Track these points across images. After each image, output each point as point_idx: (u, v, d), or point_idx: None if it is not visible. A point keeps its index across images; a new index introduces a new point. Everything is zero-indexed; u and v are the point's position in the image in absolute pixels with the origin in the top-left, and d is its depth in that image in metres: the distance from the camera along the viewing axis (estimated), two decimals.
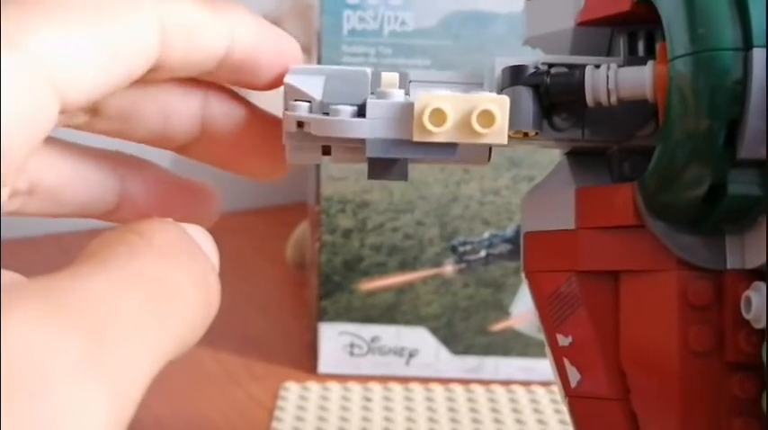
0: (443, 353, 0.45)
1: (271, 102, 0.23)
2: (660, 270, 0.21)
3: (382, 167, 0.20)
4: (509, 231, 0.43)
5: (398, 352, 0.45)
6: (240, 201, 0.71)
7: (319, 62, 0.41)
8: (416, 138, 0.19)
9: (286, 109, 0.20)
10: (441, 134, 0.19)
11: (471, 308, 0.44)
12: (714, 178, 0.19)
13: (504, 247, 0.43)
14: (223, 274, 0.18)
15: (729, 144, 0.18)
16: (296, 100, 0.20)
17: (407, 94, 0.21)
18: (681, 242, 0.20)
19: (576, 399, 0.22)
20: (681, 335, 0.20)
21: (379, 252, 0.43)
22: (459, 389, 0.44)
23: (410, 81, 0.22)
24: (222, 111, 0.22)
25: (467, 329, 0.44)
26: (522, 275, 0.23)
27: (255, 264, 0.59)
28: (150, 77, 0.19)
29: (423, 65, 0.41)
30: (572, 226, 0.22)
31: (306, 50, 0.74)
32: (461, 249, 0.43)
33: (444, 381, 0.44)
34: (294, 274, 0.57)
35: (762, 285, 0.19)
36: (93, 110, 0.20)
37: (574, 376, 0.22)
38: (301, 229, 0.59)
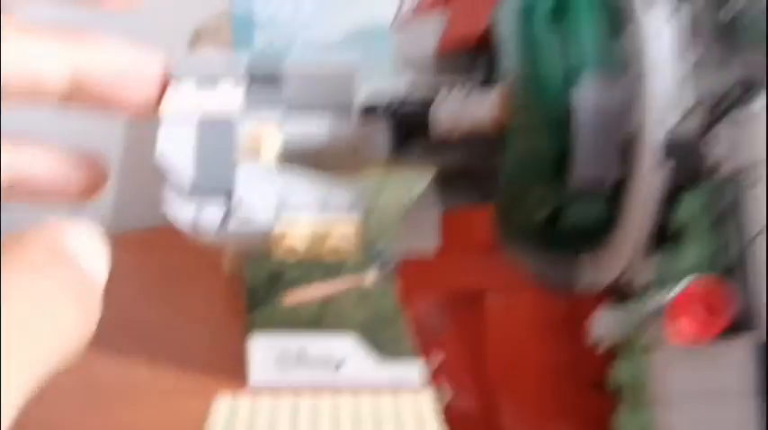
0: (370, 360, 0.45)
1: None
2: (518, 290, 0.21)
3: None
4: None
5: (326, 361, 0.45)
6: None
7: None
8: (275, 258, 0.21)
9: (164, 196, 0.21)
10: (296, 258, 0.21)
11: (396, 315, 0.45)
12: (552, 202, 0.19)
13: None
14: (161, 288, 0.19)
15: (564, 169, 0.19)
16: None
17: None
18: (534, 263, 0.21)
19: (449, 414, 0.23)
20: (538, 352, 0.21)
21: (301, 264, 0.44)
22: (386, 396, 0.45)
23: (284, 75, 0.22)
24: (92, 61, 0.22)
25: (392, 336, 0.45)
26: (399, 300, 0.24)
27: (194, 277, 0.60)
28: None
29: None
30: (438, 248, 0.23)
31: None
32: (382, 258, 0.44)
33: (372, 389, 0.45)
34: (232, 285, 0.57)
35: (605, 309, 0.20)
36: None
37: (447, 392, 0.23)
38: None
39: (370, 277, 0.44)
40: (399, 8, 0.24)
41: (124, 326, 0.50)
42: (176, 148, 0.21)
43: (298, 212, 0.21)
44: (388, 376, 0.45)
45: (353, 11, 0.40)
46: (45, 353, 0.16)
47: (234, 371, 0.46)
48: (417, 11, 0.24)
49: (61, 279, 0.17)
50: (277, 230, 0.21)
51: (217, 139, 0.22)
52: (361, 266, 0.44)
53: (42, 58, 0.21)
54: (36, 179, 0.22)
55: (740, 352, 0.16)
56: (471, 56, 0.23)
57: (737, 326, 0.17)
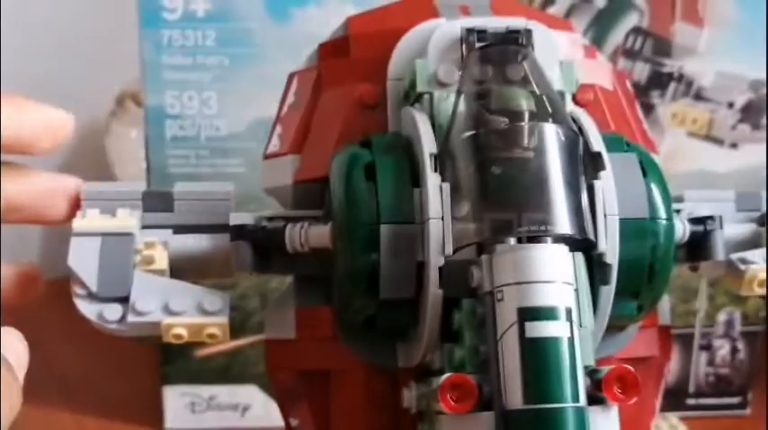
0: (272, 405, 0.51)
1: None
2: (352, 369, 0.28)
3: None
4: None
5: (234, 407, 0.51)
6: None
7: (148, 164, 0.48)
8: (164, 341, 0.27)
9: (73, 295, 0.27)
10: (180, 342, 0.27)
11: None
12: (367, 310, 0.26)
13: None
14: (86, 337, 0.24)
15: (374, 287, 0.26)
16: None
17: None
18: (362, 349, 0.28)
19: None
20: (367, 418, 0.28)
21: None
22: None
23: (174, 200, 0.29)
24: (18, 187, 0.28)
25: None
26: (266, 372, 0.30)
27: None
28: None
29: (236, 163, 0.48)
30: (293, 336, 0.29)
31: None
32: None
33: None
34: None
35: (412, 383, 0.27)
36: None
37: None
38: None
39: None
40: (266, 146, 0.31)
41: (49, 374, 0.55)
42: (83, 258, 0.27)
43: (179, 315, 0.27)
44: None
45: (254, 106, 0.47)
46: None
47: (151, 419, 0.52)
48: (279, 151, 0.30)
49: None
50: (165, 323, 0.26)
51: (117, 252, 0.28)
52: (261, 325, 0.50)
53: None
54: None
55: (484, 423, 0.23)
56: (319, 190, 0.29)
57: (486, 405, 0.23)
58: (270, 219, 0.28)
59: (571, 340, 0.23)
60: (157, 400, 0.53)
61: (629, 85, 0.33)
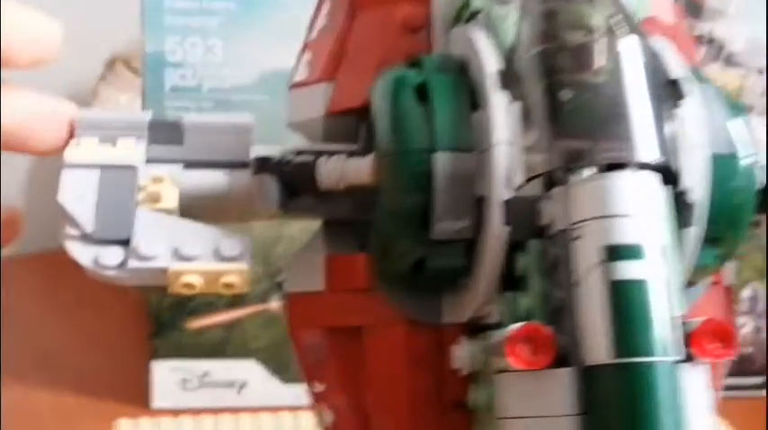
0: (273, 382, 0.48)
1: None
2: (390, 325, 0.25)
3: None
4: None
5: (229, 384, 0.47)
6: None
7: None
8: (171, 292, 0.23)
9: (63, 236, 0.23)
10: (191, 293, 0.23)
11: None
12: (416, 253, 0.23)
13: None
14: (67, 311, 0.20)
15: (425, 226, 0.22)
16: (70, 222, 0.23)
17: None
18: (404, 302, 0.24)
19: None
20: (407, 380, 0.24)
21: None
22: (287, 415, 0.47)
23: (184, 132, 0.25)
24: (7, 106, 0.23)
25: (295, 359, 0.48)
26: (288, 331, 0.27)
27: (102, 298, 0.60)
28: None
29: None
30: (322, 287, 0.25)
31: None
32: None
33: (274, 409, 0.47)
34: (137, 310, 0.59)
35: (464, 340, 0.23)
36: None
37: (328, 417, 0.26)
38: None
39: (275, 304, 0.47)
40: (292, 74, 0.27)
41: (28, 349, 0.51)
42: (77, 193, 0.23)
43: (192, 260, 0.23)
44: (289, 397, 0.48)
45: (263, 56, 0.43)
46: None
47: (136, 396, 0.48)
48: (309, 78, 0.26)
49: None
50: (173, 270, 0.23)
51: (117, 187, 0.24)
52: (265, 294, 0.47)
53: None
54: None
55: (561, 380, 0.20)
56: (354, 123, 0.26)
57: (562, 360, 0.20)
58: (298, 152, 0.25)
59: (665, 283, 0.20)
60: (144, 377, 0.49)
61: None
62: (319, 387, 0.26)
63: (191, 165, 0.25)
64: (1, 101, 0.24)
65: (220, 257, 0.23)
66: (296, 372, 0.47)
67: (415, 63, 0.24)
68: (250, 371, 0.47)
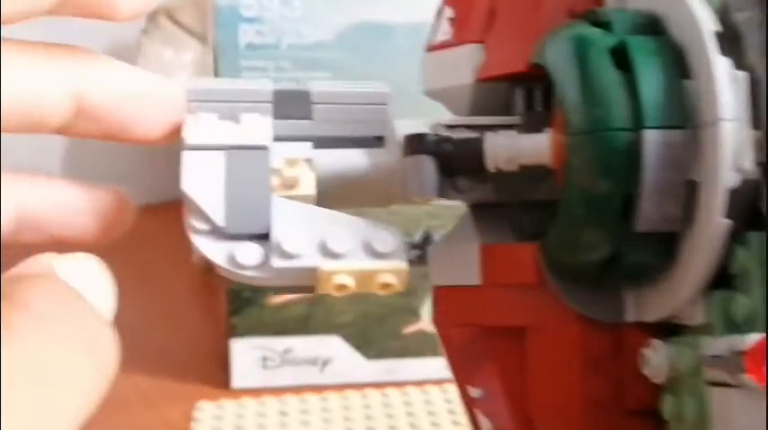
0: (357, 358, 0.45)
1: None
2: (563, 324, 0.21)
3: None
4: (416, 237, 0.44)
5: (312, 361, 0.45)
6: (132, 196, 0.69)
7: (216, 76, 0.40)
8: (319, 293, 0.20)
9: (189, 230, 0.20)
10: (343, 294, 0.20)
11: (383, 313, 0.45)
12: (611, 246, 0.19)
13: (413, 253, 0.44)
14: (125, 285, 0.17)
15: (625, 216, 0.19)
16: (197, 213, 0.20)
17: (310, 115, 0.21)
18: (580, 298, 0.21)
19: None
20: (582, 385, 0.21)
21: None
22: (374, 393, 0.45)
23: (312, 104, 0.22)
24: (95, 82, 0.20)
25: (380, 334, 0.45)
26: (434, 326, 0.24)
27: (159, 271, 0.58)
28: None
29: (322, 77, 0.40)
30: (478, 281, 0.22)
31: (202, 39, 0.71)
32: None
33: (359, 387, 0.45)
34: (202, 279, 0.56)
35: (659, 343, 0.20)
36: None
37: (486, 426, 0.23)
38: None
39: None
40: (432, 35, 0.24)
41: None
42: (204, 181, 0.20)
43: (343, 258, 0.20)
44: (375, 373, 0.45)
45: (346, 9, 0.39)
46: (66, 418, 0.14)
47: (215, 376, 0.45)
48: (453, 40, 0.23)
49: (70, 331, 0.15)
50: (324, 270, 0.20)
51: (248, 171, 0.20)
52: None
53: (42, 84, 0.19)
54: (48, 218, 0.20)
55: None
56: (506, 91, 0.22)
57: None
58: (450, 127, 0.21)
59: None
60: (223, 355, 0.46)
61: None
62: (474, 392, 0.23)
63: (322, 142, 0.22)
64: (89, 75, 0.20)
65: (374, 253, 0.20)
66: (380, 348, 0.45)
67: (596, 21, 0.20)
68: (333, 348, 0.45)
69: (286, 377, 0.45)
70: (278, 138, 0.21)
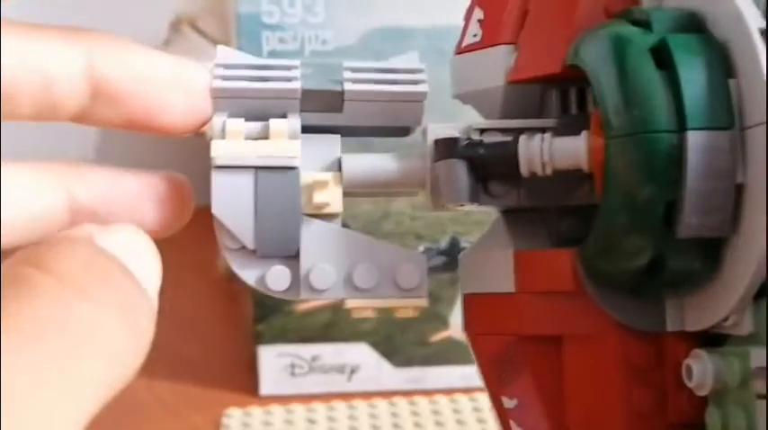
0: (385, 366, 0.45)
1: None
2: (601, 334, 0.21)
3: None
4: (443, 244, 0.43)
5: (340, 369, 0.44)
6: None
7: None
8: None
9: (222, 247, 0.20)
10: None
11: (410, 320, 0.44)
12: (654, 252, 0.19)
13: (439, 260, 0.43)
14: (165, 298, 0.17)
15: (668, 221, 0.18)
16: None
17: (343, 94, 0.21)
18: (620, 306, 0.20)
19: None
20: (623, 397, 0.21)
21: None
22: (401, 401, 0.44)
23: (344, 73, 0.21)
24: (111, 65, 0.19)
25: (407, 341, 0.44)
26: (464, 335, 0.23)
27: (182, 277, 0.57)
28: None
29: None
30: (512, 289, 0.22)
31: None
32: None
33: (387, 394, 0.44)
34: (226, 287, 0.56)
35: (703, 354, 0.19)
36: None
37: None
38: None
39: None
40: (461, 38, 0.23)
41: None
42: (234, 203, 0.20)
43: (367, 292, 0.20)
44: (402, 381, 0.45)
45: (367, 14, 0.39)
46: (98, 386, 0.14)
47: (243, 384, 0.45)
48: (484, 42, 0.22)
49: (104, 296, 0.14)
50: (350, 305, 0.20)
51: (277, 192, 0.20)
52: None
53: (52, 57, 0.18)
54: (105, 208, 0.19)
55: None
56: (539, 93, 0.22)
57: None
58: (482, 130, 0.21)
59: None
60: (250, 362, 0.46)
61: None
62: (509, 403, 0.22)
63: (350, 132, 0.21)
64: (119, 61, 0.19)
65: (398, 289, 0.20)
66: (408, 356, 0.44)
67: (634, 20, 0.19)
68: (361, 355, 0.44)
69: (314, 384, 0.44)
70: (306, 130, 0.21)
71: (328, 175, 0.21)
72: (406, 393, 0.44)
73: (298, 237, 0.20)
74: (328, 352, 0.44)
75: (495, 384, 0.23)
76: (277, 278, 0.20)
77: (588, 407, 0.21)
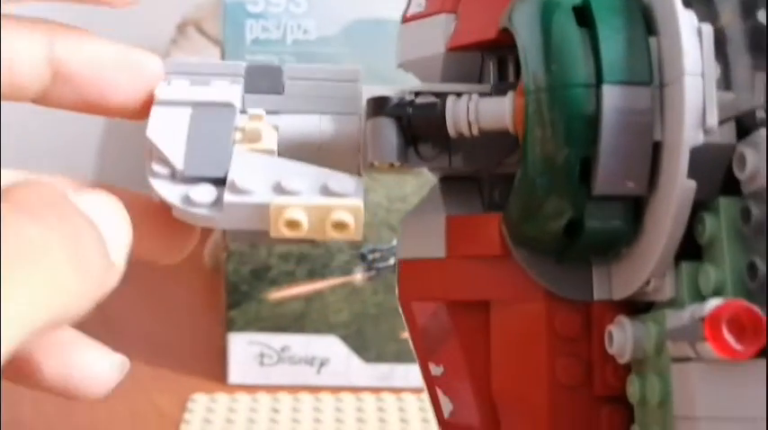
0: (354, 361, 0.44)
1: None
2: (528, 300, 0.21)
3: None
4: None
5: (309, 361, 0.44)
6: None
7: None
8: (273, 236, 0.19)
9: (149, 174, 0.20)
10: (297, 236, 0.19)
11: (381, 315, 0.44)
12: (572, 212, 0.18)
13: None
14: (134, 279, 0.17)
15: (585, 180, 0.18)
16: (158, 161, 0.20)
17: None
18: (547, 273, 0.20)
19: (449, 429, 0.22)
20: (549, 366, 0.20)
21: (287, 261, 0.43)
22: (369, 397, 0.44)
23: (285, 80, 0.22)
24: (71, 48, 0.20)
25: (377, 337, 0.44)
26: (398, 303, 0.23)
27: (170, 268, 0.58)
28: None
29: None
30: (442, 254, 0.22)
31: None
32: (370, 257, 0.43)
33: (355, 390, 0.44)
34: (211, 279, 0.56)
35: (624, 320, 0.19)
36: None
37: (446, 406, 0.22)
38: (220, 230, 0.58)
39: (359, 276, 0.43)
40: (407, 5, 0.23)
41: (99, 318, 0.49)
42: (168, 129, 0.20)
43: (296, 194, 0.19)
44: (371, 377, 0.44)
45: (350, 5, 0.39)
46: (37, 303, 0.14)
47: (212, 370, 0.45)
48: (426, 10, 0.22)
49: (53, 224, 0.15)
50: (276, 205, 0.19)
51: (212, 125, 0.20)
52: (347, 265, 0.43)
53: (17, 41, 0.19)
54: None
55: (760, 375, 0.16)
56: (479, 60, 0.22)
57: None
58: (417, 93, 0.21)
59: None
60: (220, 350, 0.46)
61: None
62: (436, 370, 0.22)
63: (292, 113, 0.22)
64: (76, 47, 0.20)
65: (329, 192, 0.19)
66: (378, 352, 0.44)
67: None
68: (331, 348, 0.44)
69: (283, 376, 0.44)
70: (248, 105, 0.21)
71: (262, 112, 0.21)
72: (374, 389, 0.44)
73: (227, 161, 0.20)
74: (298, 343, 0.44)
75: (423, 351, 0.23)
76: (202, 192, 0.19)
77: (512, 375, 0.21)
